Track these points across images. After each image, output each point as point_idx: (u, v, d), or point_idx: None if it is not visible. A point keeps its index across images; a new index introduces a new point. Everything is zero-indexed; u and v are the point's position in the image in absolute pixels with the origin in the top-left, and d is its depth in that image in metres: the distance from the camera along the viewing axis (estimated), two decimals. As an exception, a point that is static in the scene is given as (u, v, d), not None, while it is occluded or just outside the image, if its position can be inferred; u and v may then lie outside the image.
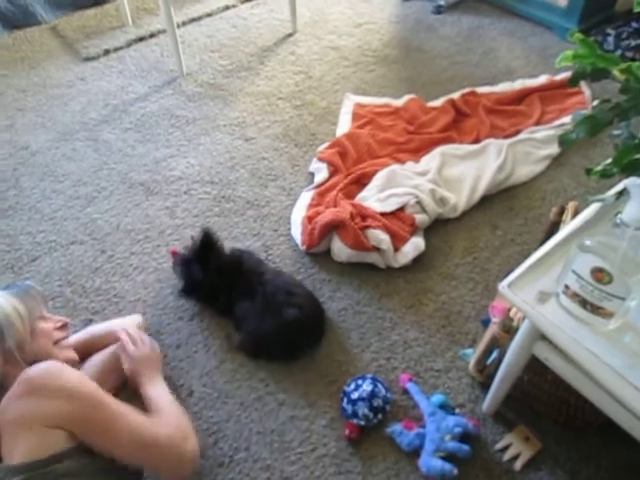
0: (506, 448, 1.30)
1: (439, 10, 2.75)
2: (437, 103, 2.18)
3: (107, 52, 2.57)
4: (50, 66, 2.54)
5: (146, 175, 2.02)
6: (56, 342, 1.26)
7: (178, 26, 2.59)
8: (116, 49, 2.59)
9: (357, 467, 1.29)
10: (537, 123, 2.07)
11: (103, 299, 1.65)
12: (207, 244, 1.58)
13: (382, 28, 2.71)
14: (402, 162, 1.93)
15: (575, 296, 0.92)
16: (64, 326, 1.32)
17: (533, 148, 1.98)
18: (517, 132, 2.04)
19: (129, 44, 2.62)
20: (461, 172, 1.88)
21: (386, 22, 2.75)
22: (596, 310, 0.90)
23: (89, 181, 2.01)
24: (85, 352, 1.40)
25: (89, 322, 1.58)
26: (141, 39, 2.65)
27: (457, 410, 1.36)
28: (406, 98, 2.21)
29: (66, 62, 2.56)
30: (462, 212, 1.80)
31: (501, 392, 1.27)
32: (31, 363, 1.13)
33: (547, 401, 1.29)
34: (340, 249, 1.63)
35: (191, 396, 1.42)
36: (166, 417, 1.17)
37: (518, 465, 1.27)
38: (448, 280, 1.65)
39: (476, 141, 2.01)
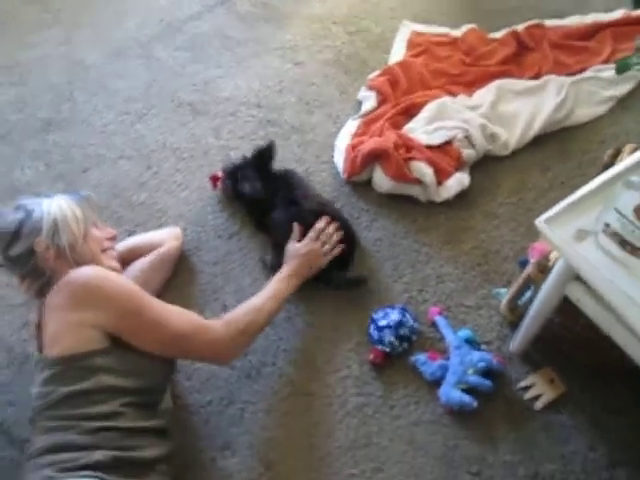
0: (529, 388, 1.30)
1: None
2: (498, 35, 2.05)
3: (164, -33, 2.52)
4: (107, -20, 2.53)
5: (194, 95, 2.02)
6: (104, 250, 1.32)
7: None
8: (173, -36, 2.54)
9: (378, 391, 1.33)
10: (606, 61, 1.92)
11: (146, 213, 1.70)
12: (268, 154, 1.62)
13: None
14: (454, 95, 1.85)
15: (615, 235, 0.88)
16: (113, 238, 1.37)
17: (598, 88, 1.84)
18: (582, 70, 1.90)
19: (186, -41, 2.56)
20: (516, 108, 1.78)
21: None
22: (636, 252, 0.87)
23: (139, 98, 2.03)
24: (125, 261, 1.47)
25: (132, 233, 1.64)
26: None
27: (483, 346, 1.36)
28: (465, 28, 2.08)
29: (123, -24, 2.54)
30: (513, 150, 1.73)
31: (530, 331, 1.26)
32: (79, 264, 1.19)
33: (578, 344, 1.27)
34: (381, 179, 1.61)
35: (225, 310, 1.47)
36: (235, 314, 1.25)
37: (539, 405, 1.27)
38: (490, 219, 1.61)
39: (537, 77, 1.88)
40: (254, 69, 2.09)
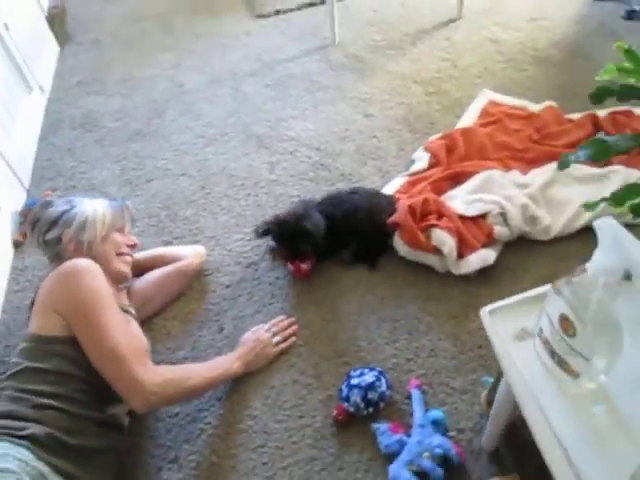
0: (487, 490, 1.19)
1: (631, 15, 2.41)
2: (577, 116, 1.95)
3: (278, 12, 2.76)
4: (227, 17, 2.81)
5: (265, 130, 2.16)
6: (119, 254, 1.45)
7: (349, -4, 2.66)
8: (286, 11, 2.76)
9: (332, 448, 1.29)
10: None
11: (186, 228, 1.83)
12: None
13: (557, 27, 2.47)
14: (509, 169, 1.78)
15: (546, 343, 0.81)
16: (133, 246, 1.50)
17: (673, 188, 1.67)
18: (661, 167, 1.74)
19: (299, 7, 2.77)
20: (570, 194, 1.68)
21: (565, 21, 2.50)
22: (562, 364, 0.79)
23: (217, 124, 2.21)
24: (146, 268, 1.60)
25: (167, 244, 1.78)
26: (311, 4, 2.78)
27: (451, 433, 1.27)
28: (544, 104, 2.01)
29: (241, 17, 2.81)
30: (555, 237, 1.62)
31: (494, 430, 1.17)
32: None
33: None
34: (397, 244, 1.60)
35: (220, 332, 1.54)
36: (172, 367, 1.30)
37: (492, 512, 1.16)
38: (507, 303, 1.51)
39: (605, 166, 1.76)
40: (326, 114, 2.19)
